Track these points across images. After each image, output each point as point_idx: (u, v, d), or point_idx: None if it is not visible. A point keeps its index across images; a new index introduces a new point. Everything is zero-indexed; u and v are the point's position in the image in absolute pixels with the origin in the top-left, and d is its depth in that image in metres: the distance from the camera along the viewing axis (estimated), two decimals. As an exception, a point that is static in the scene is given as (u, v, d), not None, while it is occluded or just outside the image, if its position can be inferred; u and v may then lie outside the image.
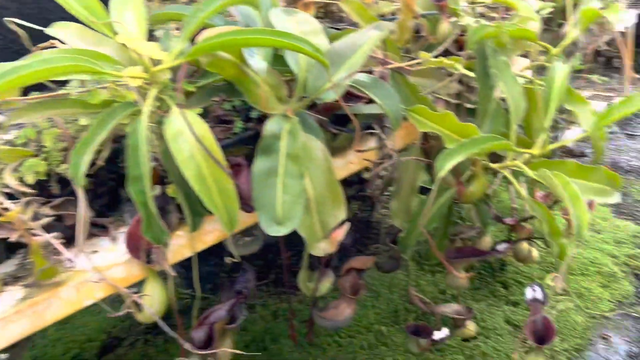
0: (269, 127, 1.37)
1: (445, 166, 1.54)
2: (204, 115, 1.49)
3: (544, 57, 1.98)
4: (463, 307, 2.42)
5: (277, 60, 1.46)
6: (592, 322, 2.52)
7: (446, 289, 2.68)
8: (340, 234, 1.48)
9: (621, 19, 3.98)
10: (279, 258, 3.33)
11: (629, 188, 3.60)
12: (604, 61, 4.49)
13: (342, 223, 1.52)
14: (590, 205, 2.33)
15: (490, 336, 2.41)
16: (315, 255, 1.93)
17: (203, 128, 1.30)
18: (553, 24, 3.34)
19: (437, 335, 2.15)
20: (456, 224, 2.72)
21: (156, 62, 1.34)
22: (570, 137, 3.94)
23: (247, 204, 1.40)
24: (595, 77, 3.28)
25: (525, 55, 2.39)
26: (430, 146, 1.96)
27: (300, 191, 1.37)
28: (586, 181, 1.77)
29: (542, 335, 2.07)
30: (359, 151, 1.84)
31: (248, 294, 1.72)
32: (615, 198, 1.81)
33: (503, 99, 1.95)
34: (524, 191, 1.87)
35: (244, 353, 1.59)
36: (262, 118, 1.49)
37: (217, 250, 3.62)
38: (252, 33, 1.18)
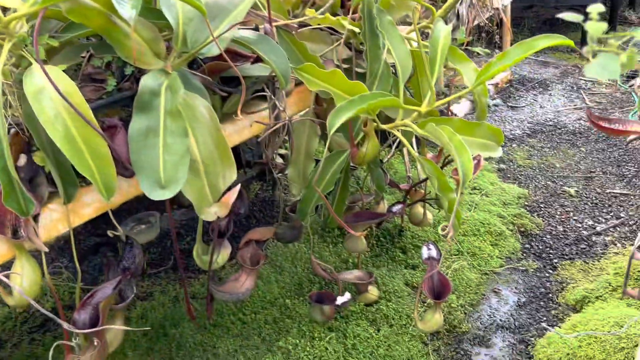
0: (146, 82, 1.27)
1: (336, 123, 1.52)
2: (73, 73, 1.36)
3: (427, 20, 2.03)
4: (364, 272, 2.45)
5: (153, 14, 1.36)
6: (485, 278, 2.66)
7: (348, 257, 2.70)
8: (232, 196, 1.41)
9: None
10: (178, 243, 3.20)
11: (513, 155, 3.85)
12: (487, 38, 4.74)
13: (234, 185, 1.46)
14: (477, 164, 2.44)
15: (392, 299, 2.46)
16: (211, 229, 1.85)
17: (69, 85, 1.18)
18: (438, 0, 3.47)
19: (340, 300, 2.16)
20: (354, 193, 2.74)
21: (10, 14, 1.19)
22: (458, 108, 4.12)
23: (125, 168, 1.29)
24: (478, 49, 3.45)
25: (409, 23, 2.45)
26: (323, 110, 1.95)
27: (184, 151, 1.29)
28: (471, 137, 1.83)
29: (439, 292, 2.14)
30: (249, 113, 1.78)
31: (136, 270, 1.61)
32: (499, 152, 1.89)
33: (393, 65, 1.98)
34: (415, 151, 1.91)
35: (129, 328, 1.47)
36: (139, 77, 1.38)
37: (112, 240, 3.38)
38: (117, -27, 1.07)
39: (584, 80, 4.99)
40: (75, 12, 1.16)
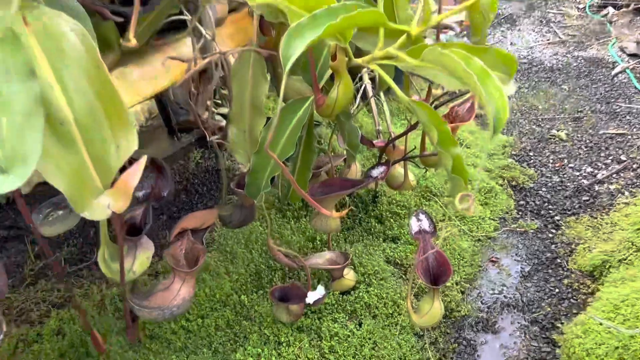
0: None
1: (294, 51, 0.98)
2: None
3: None
4: (338, 253, 1.96)
5: None
6: (479, 246, 2.23)
7: (315, 234, 2.21)
8: (133, 177, 0.86)
9: None
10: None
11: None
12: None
13: (136, 158, 0.91)
14: (472, 108, 1.96)
15: (372, 282, 2.00)
16: (120, 224, 1.30)
17: None
18: None
19: (312, 296, 1.67)
20: (318, 153, 2.23)
21: None
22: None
23: None
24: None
25: None
26: (271, 41, 1.40)
27: (30, 105, 0.73)
28: (478, 68, 1.33)
29: (437, 273, 1.69)
30: (162, 45, 1.22)
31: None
32: (511, 88, 1.41)
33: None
34: (401, 92, 1.39)
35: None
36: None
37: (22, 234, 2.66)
38: None
39: (553, 12, 4.57)
40: None
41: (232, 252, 2.16)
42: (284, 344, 1.77)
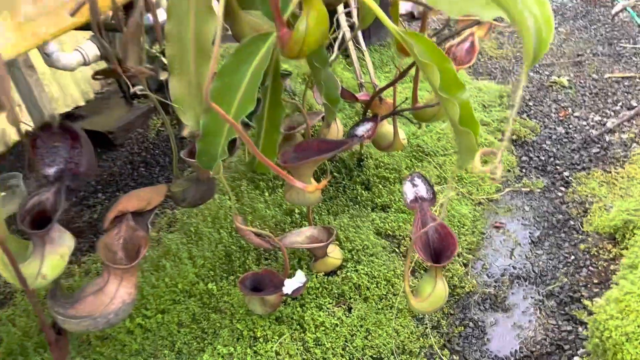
0: None
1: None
2: None
3: None
4: (319, 228, 1.67)
5: None
6: (480, 211, 1.95)
7: (294, 207, 1.92)
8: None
9: None
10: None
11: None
12: None
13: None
14: (472, 49, 1.66)
15: (361, 260, 1.72)
16: (21, 214, 0.99)
17: None
18: None
19: (290, 285, 1.39)
20: (290, 115, 1.91)
21: None
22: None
23: None
24: None
25: None
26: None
27: None
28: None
29: (438, 248, 1.41)
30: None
31: None
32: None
33: None
34: (390, 22, 1.08)
35: None
36: None
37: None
38: None
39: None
40: None
41: (198, 232, 1.86)
42: (261, 340, 1.49)
